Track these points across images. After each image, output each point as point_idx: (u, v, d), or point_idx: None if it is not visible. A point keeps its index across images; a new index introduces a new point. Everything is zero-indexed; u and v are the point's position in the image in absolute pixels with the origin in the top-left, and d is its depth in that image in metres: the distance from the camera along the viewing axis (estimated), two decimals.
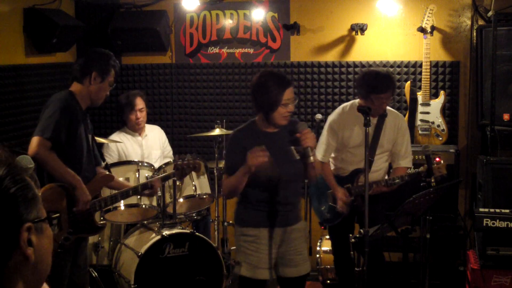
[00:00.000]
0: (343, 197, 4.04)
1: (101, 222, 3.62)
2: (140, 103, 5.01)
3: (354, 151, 4.13)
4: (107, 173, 3.74)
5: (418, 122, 4.99)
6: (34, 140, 3.36)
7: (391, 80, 4.04)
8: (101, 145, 4.97)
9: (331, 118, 4.22)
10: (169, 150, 5.27)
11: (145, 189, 3.84)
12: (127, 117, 5.03)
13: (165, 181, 4.14)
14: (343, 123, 4.13)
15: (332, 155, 4.26)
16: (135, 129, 5.06)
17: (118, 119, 5.77)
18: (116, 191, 3.77)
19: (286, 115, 3.32)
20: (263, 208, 3.36)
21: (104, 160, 3.91)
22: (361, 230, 3.32)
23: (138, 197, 4.28)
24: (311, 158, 3.24)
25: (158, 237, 4.30)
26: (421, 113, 5.01)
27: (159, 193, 4.29)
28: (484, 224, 4.01)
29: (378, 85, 3.92)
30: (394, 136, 4.15)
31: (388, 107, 4.18)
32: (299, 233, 3.45)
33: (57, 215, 1.07)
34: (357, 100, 4.16)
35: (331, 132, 4.15)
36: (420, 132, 4.98)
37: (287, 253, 3.41)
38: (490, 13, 4.84)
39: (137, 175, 4.40)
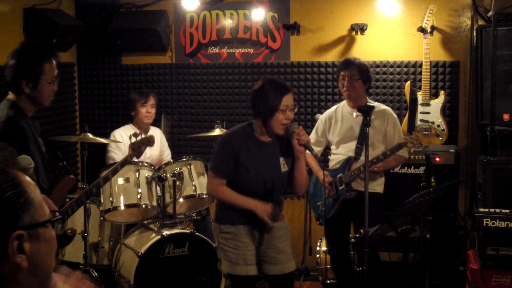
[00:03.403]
0: (324, 177, 4.28)
1: (69, 231, 3.10)
2: (152, 99, 5.16)
3: (341, 144, 4.37)
4: (70, 176, 3.38)
5: (418, 122, 4.99)
6: None
7: (355, 60, 4.34)
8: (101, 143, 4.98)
9: (321, 115, 4.58)
10: (168, 153, 5.30)
11: (103, 183, 3.68)
12: (137, 111, 5.10)
13: (125, 165, 3.81)
14: (329, 119, 4.43)
15: (331, 157, 4.46)
16: (142, 125, 5.09)
17: (119, 119, 5.78)
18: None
19: (284, 123, 3.33)
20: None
21: (62, 160, 3.60)
22: (361, 230, 3.32)
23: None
24: (314, 150, 3.39)
25: (158, 237, 4.30)
26: (421, 113, 5.00)
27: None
28: (484, 224, 4.01)
29: (342, 64, 4.39)
30: (383, 128, 4.29)
31: (377, 103, 4.39)
32: (280, 231, 3.47)
33: (60, 217, 1.03)
34: (345, 100, 4.45)
35: (316, 127, 4.50)
36: None
37: (269, 251, 3.44)
38: (490, 13, 4.83)
39: (137, 175, 4.40)
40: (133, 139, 3.86)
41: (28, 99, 3.16)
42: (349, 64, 4.31)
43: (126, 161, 3.74)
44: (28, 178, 1.14)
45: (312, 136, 4.48)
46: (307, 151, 3.44)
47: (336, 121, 4.40)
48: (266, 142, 3.44)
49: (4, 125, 3.04)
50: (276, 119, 3.32)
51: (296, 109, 3.49)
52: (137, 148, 3.75)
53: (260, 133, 3.43)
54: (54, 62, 3.19)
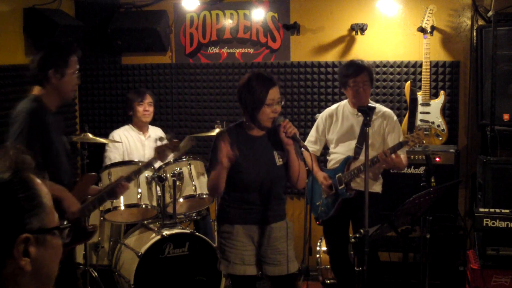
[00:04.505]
0: (323, 180, 4.29)
1: (90, 227, 3.28)
2: (149, 97, 5.14)
3: (340, 143, 4.35)
4: (92, 173, 3.47)
5: (418, 122, 4.99)
6: None
7: (363, 65, 4.27)
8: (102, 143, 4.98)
9: (321, 113, 4.55)
10: None
11: (134, 177, 3.63)
12: (135, 110, 5.08)
13: (149, 168, 3.82)
14: (330, 116, 4.40)
15: (330, 156, 4.43)
16: (140, 124, 5.08)
17: (119, 119, 5.78)
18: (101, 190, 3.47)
19: (271, 116, 3.33)
20: (238, 206, 3.41)
21: (83, 158, 3.64)
22: (361, 230, 3.32)
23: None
24: (302, 142, 3.39)
25: (158, 237, 4.30)
26: (421, 113, 5.00)
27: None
28: (484, 224, 4.01)
29: (352, 70, 4.22)
30: (382, 129, 4.28)
31: (377, 104, 4.35)
32: (279, 232, 3.46)
33: (68, 225, 1.04)
34: (346, 100, 4.41)
35: (316, 125, 4.48)
36: None
37: (268, 252, 3.44)
38: (490, 13, 4.83)
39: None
40: (159, 143, 3.86)
41: (54, 91, 3.26)
42: (362, 70, 4.20)
43: (150, 164, 3.73)
44: (40, 182, 1.13)
45: (312, 134, 4.48)
46: (306, 151, 3.44)
47: (337, 120, 4.37)
48: (257, 137, 3.44)
49: (26, 116, 3.11)
50: (263, 113, 3.32)
51: (283, 102, 3.48)
52: (162, 152, 3.69)
53: (250, 128, 3.44)
54: (77, 57, 3.35)
